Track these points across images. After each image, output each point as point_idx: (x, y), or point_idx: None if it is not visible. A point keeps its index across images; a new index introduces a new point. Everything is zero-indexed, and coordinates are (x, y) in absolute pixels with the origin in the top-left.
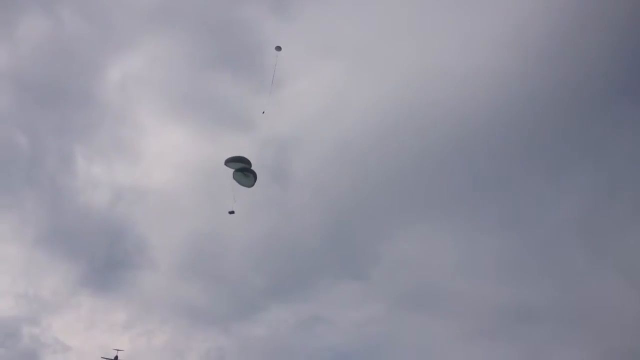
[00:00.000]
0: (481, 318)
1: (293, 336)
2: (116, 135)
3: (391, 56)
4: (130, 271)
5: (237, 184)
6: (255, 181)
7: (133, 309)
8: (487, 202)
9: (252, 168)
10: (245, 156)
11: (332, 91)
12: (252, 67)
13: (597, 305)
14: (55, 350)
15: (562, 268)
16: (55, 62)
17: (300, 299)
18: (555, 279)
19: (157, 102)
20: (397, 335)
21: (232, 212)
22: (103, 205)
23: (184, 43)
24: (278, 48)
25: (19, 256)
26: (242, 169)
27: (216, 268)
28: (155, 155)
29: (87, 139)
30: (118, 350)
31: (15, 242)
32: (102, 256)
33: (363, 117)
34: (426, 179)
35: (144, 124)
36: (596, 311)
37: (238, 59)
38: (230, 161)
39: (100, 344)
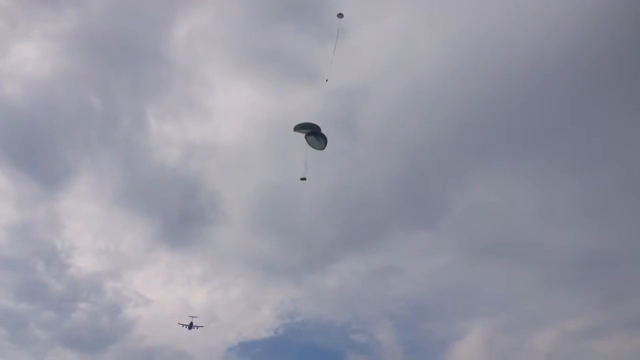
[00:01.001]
0: (560, 265)
1: (365, 286)
2: (185, 93)
3: None
4: (205, 226)
5: (309, 147)
6: (325, 144)
7: (208, 263)
8: (567, 142)
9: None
10: (313, 122)
11: (400, 37)
12: (314, 17)
13: None
14: (137, 304)
15: None
16: (123, 22)
17: (371, 249)
18: (637, 223)
19: (223, 58)
20: (470, 284)
21: (304, 179)
22: (176, 162)
23: None
24: (340, 15)
25: (98, 214)
26: (313, 133)
27: (287, 220)
28: (224, 111)
29: (158, 98)
30: (193, 317)
31: (94, 201)
32: (177, 212)
33: (432, 63)
34: (502, 122)
35: (212, 81)
36: None
37: (300, 10)
38: (299, 128)
39: (179, 297)
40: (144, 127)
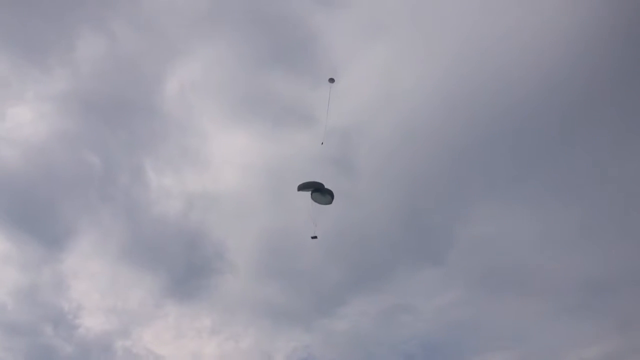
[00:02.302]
0: (569, 292)
1: (376, 327)
2: (182, 145)
3: (448, 25)
4: (211, 277)
5: (316, 204)
6: (332, 198)
7: (217, 314)
8: (563, 167)
9: (327, 187)
10: (317, 180)
11: (388, 73)
12: (305, 60)
13: None
14: None
15: None
16: (115, 79)
17: (379, 289)
18: None
19: (216, 108)
20: (483, 318)
21: (314, 237)
22: (177, 214)
23: (235, 44)
24: (331, 80)
25: (103, 272)
26: (317, 190)
27: (292, 265)
28: (221, 159)
29: (155, 151)
30: None
31: (98, 259)
32: (182, 264)
33: (425, 96)
34: (496, 154)
35: (207, 130)
36: None
37: (290, 54)
38: (302, 188)
39: (190, 350)
40: (143, 181)
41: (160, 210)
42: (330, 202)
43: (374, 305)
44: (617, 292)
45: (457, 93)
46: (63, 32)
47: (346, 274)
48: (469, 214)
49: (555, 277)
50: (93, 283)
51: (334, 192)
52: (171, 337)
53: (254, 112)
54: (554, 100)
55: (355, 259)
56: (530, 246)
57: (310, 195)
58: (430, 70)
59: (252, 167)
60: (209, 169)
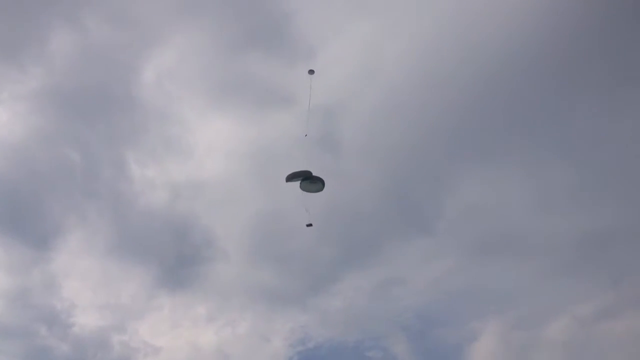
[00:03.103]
0: (563, 252)
1: (371, 302)
2: (163, 135)
3: None
4: (203, 265)
5: (307, 193)
6: (323, 185)
7: (212, 302)
8: (551, 128)
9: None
10: (305, 169)
11: (369, 48)
12: (281, 39)
13: None
14: (146, 353)
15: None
16: (90, 72)
17: (371, 264)
18: (631, 198)
19: (196, 94)
20: (476, 284)
21: (310, 225)
22: (163, 204)
23: (210, 29)
24: (311, 72)
25: (93, 269)
26: (306, 179)
27: (284, 247)
28: (204, 147)
29: (136, 143)
30: None
31: (87, 256)
32: (173, 255)
33: (405, 68)
34: (480, 120)
35: (188, 118)
36: None
37: (266, 34)
38: (290, 179)
39: (187, 340)
40: (126, 175)
41: (146, 202)
42: (320, 190)
43: (367, 280)
44: (610, 248)
45: (441, 62)
46: (34, 28)
47: (337, 251)
48: (458, 183)
49: (547, 237)
50: (84, 280)
51: (322, 176)
52: (167, 328)
53: (234, 96)
54: (545, 61)
55: (346, 235)
56: (521, 209)
57: (299, 185)
58: (412, 41)
59: (236, 152)
60: (193, 157)
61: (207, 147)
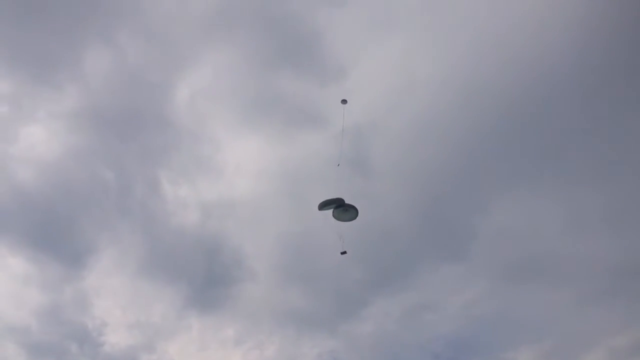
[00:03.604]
0: (597, 279)
1: (400, 328)
2: (195, 154)
3: (460, 13)
4: (232, 285)
5: (340, 222)
6: (356, 213)
7: (240, 324)
8: (584, 152)
9: (347, 202)
10: (338, 196)
11: (400, 67)
12: (312, 58)
13: None
14: None
15: None
16: (124, 92)
17: (402, 288)
18: None
19: (227, 114)
20: (509, 311)
21: (344, 253)
22: (195, 224)
23: (241, 47)
24: (344, 101)
25: (124, 287)
26: (338, 207)
27: (313, 268)
28: (234, 166)
29: (169, 162)
30: None
31: (119, 275)
32: (203, 275)
33: (437, 88)
34: (515, 142)
35: (219, 138)
36: None
37: (296, 53)
38: (322, 207)
39: None
40: (159, 193)
41: (178, 221)
42: (354, 218)
43: (397, 305)
44: None
45: (473, 82)
46: (70, 47)
47: (367, 274)
48: (490, 206)
49: (581, 264)
50: (115, 299)
51: (354, 200)
52: (195, 349)
53: (265, 115)
54: (575, 83)
55: (376, 258)
56: (554, 235)
57: (332, 213)
58: (443, 60)
59: (266, 171)
60: (224, 176)
61: (237, 166)
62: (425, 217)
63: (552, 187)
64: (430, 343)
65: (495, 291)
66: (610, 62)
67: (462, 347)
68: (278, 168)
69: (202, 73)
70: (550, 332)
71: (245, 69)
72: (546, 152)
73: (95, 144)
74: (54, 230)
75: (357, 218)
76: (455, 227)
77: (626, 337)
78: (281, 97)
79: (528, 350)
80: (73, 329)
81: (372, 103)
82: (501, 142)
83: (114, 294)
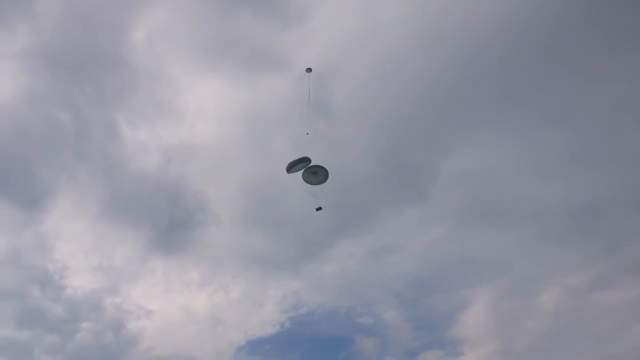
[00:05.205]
0: (555, 220)
1: (364, 268)
2: (154, 96)
3: None
4: (195, 229)
5: (310, 185)
6: (326, 175)
7: (205, 267)
8: (543, 96)
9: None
10: (306, 155)
11: (362, 11)
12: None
13: None
14: (139, 316)
15: (628, 153)
16: (78, 32)
17: (365, 230)
18: (622, 166)
19: (186, 55)
20: (469, 252)
21: (319, 209)
22: (156, 168)
23: None
24: (309, 70)
25: (85, 231)
26: (308, 168)
27: (277, 213)
28: (195, 109)
29: (127, 105)
30: None
31: (79, 218)
32: (165, 219)
33: (398, 32)
34: (476, 87)
35: (179, 80)
36: None
37: None
38: (290, 168)
39: (181, 304)
40: (117, 137)
41: (138, 165)
42: (324, 181)
43: (360, 247)
44: (603, 216)
45: (435, 27)
46: None
47: (331, 217)
48: (451, 150)
49: (539, 206)
50: (76, 242)
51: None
52: (160, 292)
53: (225, 57)
54: (534, 29)
55: (340, 202)
56: (514, 176)
57: (302, 176)
58: (406, 3)
59: (228, 115)
60: (185, 119)
61: (198, 109)
62: (387, 161)
63: (511, 131)
64: (392, 283)
65: (455, 232)
66: (569, 8)
67: (423, 286)
68: (240, 111)
69: (158, 13)
70: (508, 271)
71: (203, 8)
72: (506, 96)
73: (49, 86)
74: (10, 174)
75: (320, 161)
76: (417, 171)
77: (581, 276)
78: (242, 39)
79: (486, 288)
80: (34, 273)
81: (334, 45)
82: (462, 87)
83: (75, 238)
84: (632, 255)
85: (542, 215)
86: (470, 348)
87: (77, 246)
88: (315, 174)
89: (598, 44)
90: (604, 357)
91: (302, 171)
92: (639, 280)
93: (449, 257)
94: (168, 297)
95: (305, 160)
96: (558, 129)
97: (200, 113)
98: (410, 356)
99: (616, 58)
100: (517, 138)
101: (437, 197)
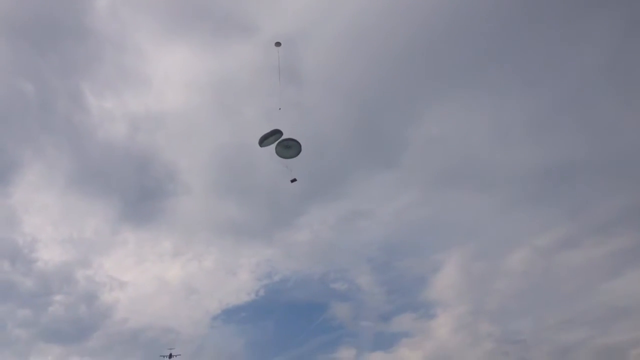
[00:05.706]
0: (521, 184)
1: (337, 234)
2: (120, 65)
3: None
4: (166, 199)
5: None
6: (299, 148)
7: (177, 236)
8: (510, 64)
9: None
10: (277, 128)
11: None
12: None
13: (635, 150)
14: (112, 288)
15: (594, 118)
16: (40, 0)
17: (336, 197)
18: (589, 131)
19: (152, 22)
20: (439, 216)
21: (294, 180)
22: (123, 137)
23: None
24: (278, 44)
25: (54, 203)
26: (281, 141)
27: (248, 181)
28: (163, 77)
29: (91, 74)
30: (171, 349)
31: (47, 190)
32: (135, 189)
33: None
34: (445, 53)
35: (145, 48)
36: (635, 156)
37: None
38: (262, 141)
39: (154, 274)
40: (83, 106)
41: (104, 135)
42: (297, 155)
43: (332, 213)
44: (569, 180)
45: None
46: None
47: (304, 184)
48: (421, 116)
49: (507, 170)
50: (45, 215)
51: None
52: (133, 263)
53: (191, 23)
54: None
55: (311, 169)
56: (481, 143)
57: (275, 150)
58: None
59: (196, 82)
60: (152, 88)
61: (165, 77)
62: (358, 127)
63: (479, 97)
64: (364, 248)
65: (426, 197)
66: None
67: (395, 251)
68: (209, 79)
69: None
70: (478, 234)
71: None
72: (475, 63)
73: (9, 56)
74: None
75: (291, 128)
76: (387, 137)
77: (548, 237)
78: (209, 5)
79: (457, 251)
80: (3, 247)
81: (304, 11)
82: (432, 54)
83: (44, 210)
84: (597, 215)
85: (511, 179)
86: (442, 310)
87: (46, 219)
88: (288, 147)
89: (567, 11)
90: (572, 314)
91: (274, 145)
92: (605, 240)
93: (420, 222)
94: (141, 268)
95: (277, 132)
96: (526, 95)
97: (167, 81)
98: (384, 320)
99: (584, 25)
100: (486, 104)
101: (408, 163)
